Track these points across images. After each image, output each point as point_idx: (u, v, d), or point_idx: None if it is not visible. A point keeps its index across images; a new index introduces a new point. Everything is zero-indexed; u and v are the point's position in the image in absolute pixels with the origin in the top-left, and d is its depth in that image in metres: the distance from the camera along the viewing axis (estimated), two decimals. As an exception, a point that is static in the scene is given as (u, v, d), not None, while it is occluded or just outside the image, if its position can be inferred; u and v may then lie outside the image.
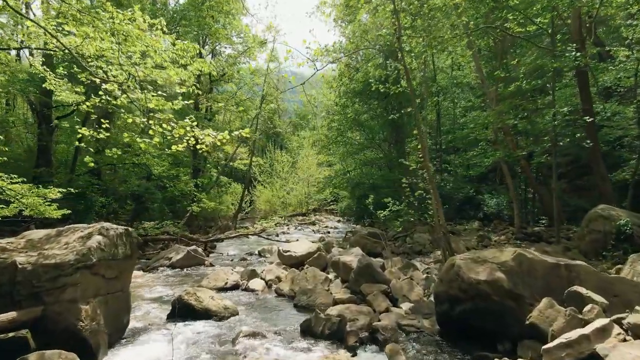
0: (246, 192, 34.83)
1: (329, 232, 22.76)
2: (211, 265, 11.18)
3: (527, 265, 4.94)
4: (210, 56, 28.15)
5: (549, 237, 10.99)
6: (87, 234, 5.10)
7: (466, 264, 5.31)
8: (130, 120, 6.01)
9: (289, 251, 9.98)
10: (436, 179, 11.62)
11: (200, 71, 6.96)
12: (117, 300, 5.36)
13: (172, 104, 5.96)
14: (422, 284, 7.05)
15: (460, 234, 13.29)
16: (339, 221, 29.56)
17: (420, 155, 8.22)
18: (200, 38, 24.79)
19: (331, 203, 32.55)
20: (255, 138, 29.73)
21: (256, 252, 15.38)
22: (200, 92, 11.00)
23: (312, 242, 17.06)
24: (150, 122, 5.71)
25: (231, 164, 36.52)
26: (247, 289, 8.12)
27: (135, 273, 9.80)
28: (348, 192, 21.97)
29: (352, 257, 8.25)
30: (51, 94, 15.90)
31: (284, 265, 9.88)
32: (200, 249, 11.42)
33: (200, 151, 5.79)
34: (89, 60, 6.04)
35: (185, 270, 10.44)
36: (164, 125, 5.71)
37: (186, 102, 6.34)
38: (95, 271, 4.85)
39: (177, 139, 5.73)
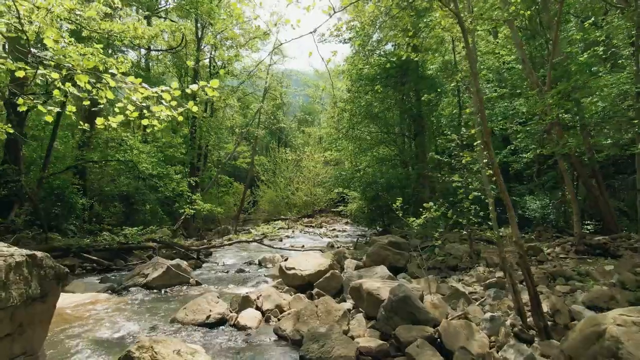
0: (249, 192, 33.13)
1: (337, 237, 20.72)
2: (197, 283, 9.06)
3: None
4: (207, 47, 26.14)
5: (616, 249, 8.82)
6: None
7: (631, 335, 3.07)
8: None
9: (293, 268, 7.82)
10: (460, 179, 9.41)
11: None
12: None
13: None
14: (486, 327, 4.91)
15: (495, 242, 11.12)
16: (346, 223, 27.54)
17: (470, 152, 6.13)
18: (197, 24, 22.75)
19: (338, 204, 30.52)
20: (256, 134, 27.75)
21: (256, 262, 13.36)
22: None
23: (320, 250, 15.11)
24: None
25: (233, 162, 34.69)
26: (236, 325, 5.99)
27: (100, 296, 7.75)
28: (358, 193, 19.84)
29: (379, 281, 6.12)
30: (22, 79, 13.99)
31: (286, 287, 7.76)
32: (184, 264, 9.29)
33: (148, 129, 3.70)
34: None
35: (163, 291, 8.32)
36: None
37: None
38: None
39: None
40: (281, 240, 19.12)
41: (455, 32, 6.95)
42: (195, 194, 17.12)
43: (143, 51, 24.53)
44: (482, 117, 4.89)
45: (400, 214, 6.89)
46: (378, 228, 20.01)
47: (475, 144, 5.51)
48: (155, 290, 8.32)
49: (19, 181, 12.35)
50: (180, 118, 3.56)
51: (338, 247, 16.34)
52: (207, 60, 26.88)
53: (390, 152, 19.32)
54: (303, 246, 17.01)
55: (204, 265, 13.38)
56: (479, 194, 5.79)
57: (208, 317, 6.02)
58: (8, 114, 13.09)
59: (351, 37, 14.28)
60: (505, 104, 14.77)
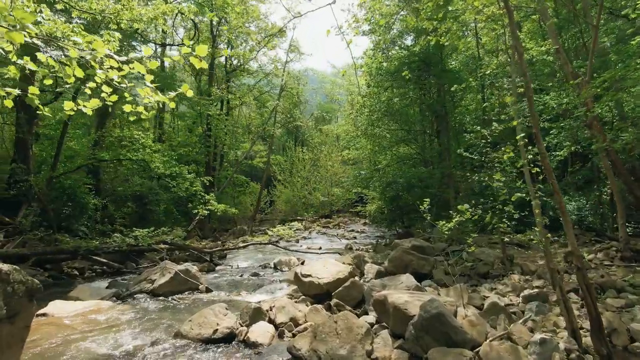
0: (266, 192, 32.69)
1: (355, 238, 20.03)
2: (207, 290, 8.47)
3: None
4: (224, 45, 25.69)
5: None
6: None
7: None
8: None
9: (309, 275, 7.15)
10: (479, 178, 8.67)
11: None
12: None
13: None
14: (535, 352, 4.16)
15: (528, 247, 10.28)
16: (364, 224, 26.81)
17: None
18: (211, 20, 22.28)
19: (356, 204, 29.81)
20: (273, 132, 27.23)
21: (271, 265, 12.79)
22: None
23: (338, 253, 14.42)
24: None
25: (249, 161, 34.27)
26: (246, 341, 5.36)
27: (103, 304, 7.24)
28: (378, 193, 19.11)
29: (405, 293, 5.41)
30: (32, 76, 13.69)
31: (302, 296, 7.10)
32: (194, 269, 8.69)
33: (131, 118, 3.07)
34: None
35: (170, 299, 7.75)
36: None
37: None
38: None
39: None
40: (297, 242, 18.53)
41: (489, 12, 6.20)
42: (209, 194, 16.63)
43: (158, 51, 24.26)
44: (529, 105, 4.17)
45: (428, 217, 6.18)
46: (398, 229, 19.25)
47: (517, 137, 4.78)
48: (161, 298, 7.76)
49: (28, 181, 12.00)
50: (172, 104, 2.94)
51: (357, 250, 15.67)
52: (223, 59, 26.44)
53: (410, 150, 18.52)
54: (320, 248, 16.40)
55: (217, 268, 12.87)
56: (524, 195, 5.03)
57: (215, 331, 5.41)
58: (17, 111, 12.80)
59: (371, 30, 13.57)
60: (548, 96, 13.85)
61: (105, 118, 16.30)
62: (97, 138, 15.62)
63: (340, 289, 6.63)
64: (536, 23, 14.92)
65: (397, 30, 14.79)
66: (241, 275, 11.21)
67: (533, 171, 8.08)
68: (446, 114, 13.84)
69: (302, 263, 13.05)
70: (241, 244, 14.31)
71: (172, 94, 2.89)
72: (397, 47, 14.89)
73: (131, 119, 3.00)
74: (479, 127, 8.24)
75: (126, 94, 2.88)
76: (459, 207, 5.54)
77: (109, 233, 14.07)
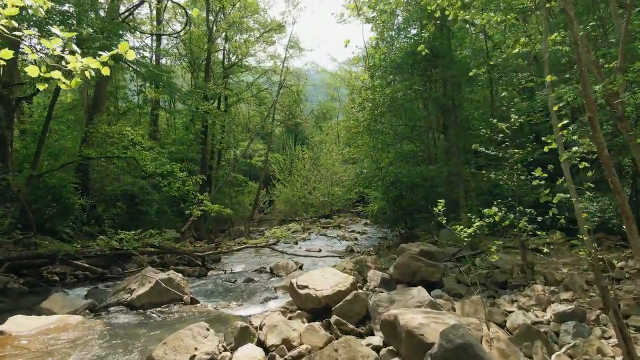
0: (265, 192, 31.88)
1: (356, 239, 19.20)
2: (193, 301, 7.57)
3: None
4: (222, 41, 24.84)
5: None
6: None
7: None
8: None
9: (306, 287, 6.25)
10: (495, 177, 7.81)
11: None
12: None
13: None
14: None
15: (547, 251, 9.35)
16: (366, 224, 25.93)
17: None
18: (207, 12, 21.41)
19: (357, 204, 28.98)
20: (271, 130, 26.38)
21: (267, 269, 11.99)
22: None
23: (339, 257, 13.55)
24: None
25: (248, 160, 33.47)
26: (229, 371, 4.51)
27: (71, 319, 6.37)
28: (380, 193, 18.27)
29: (419, 313, 4.54)
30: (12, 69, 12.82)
31: (298, 310, 6.21)
32: (178, 277, 7.79)
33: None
34: None
35: (149, 312, 6.86)
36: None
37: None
38: None
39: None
40: (296, 244, 17.71)
41: None
42: (203, 193, 15.77)
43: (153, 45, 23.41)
44: (583, 84, 3.31)
45: (444, 220, 5.30)
46: (400, 230, 18.41)
47: (558, 125, 3.93)
48: (139, 311, 6.87)
49: (5, 180, 11.13)
50: (106, 71, 2.08)
51: (358, 252, 14.83)
52: (221, 56, 25.60)
53: (414, 147, 17.64)
54: (319, 250, 15.61)
55: (210, 272, 12.09)
56: (567, 195, 4.15)
57: (192, 357, 4.55)
58: (-4, 106, 11.94)
59: (374, 17, 12.69)
60: (545, 92, 12.97)
61: (96, 110, 15.46)
62: (85, 134, 14.77)
63: (341, 303, 5.73)
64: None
65: (402, 19, 13.86)
66: (234, 281, 10.40)
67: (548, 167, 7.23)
68: (455, 107, 12.93)
69: (300, 267, 12.22)
70: (235, 247, 13.48)
71: (106, 54, 2.04)
72: (402, 37, 13.95)
73: (40, 87, 2.13)
74: (495, 120, 7.35)
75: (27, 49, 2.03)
76: (485, 210, 4.67)
77: (96, 235, 13.26)
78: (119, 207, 15.79)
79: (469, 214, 5.82)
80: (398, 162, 17.25)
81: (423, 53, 7.18)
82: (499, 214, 4.50)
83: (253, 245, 13.51)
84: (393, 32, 14.04)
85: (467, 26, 15.62)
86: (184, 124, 25.11)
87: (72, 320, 6.21)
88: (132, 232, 11.52)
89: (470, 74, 8.63)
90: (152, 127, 23.82)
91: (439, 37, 12.77)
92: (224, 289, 9.61)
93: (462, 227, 5.14)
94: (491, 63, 13.69)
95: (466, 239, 5.08)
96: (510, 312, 5.90)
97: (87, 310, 6.91)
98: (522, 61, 15.35)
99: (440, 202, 5.42)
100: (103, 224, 14.51)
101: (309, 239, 19.75)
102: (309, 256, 13.64)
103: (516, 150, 6.99)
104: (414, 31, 15.18)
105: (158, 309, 7.02)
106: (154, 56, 23.89)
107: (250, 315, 6.21)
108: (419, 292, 5.67)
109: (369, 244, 17.69)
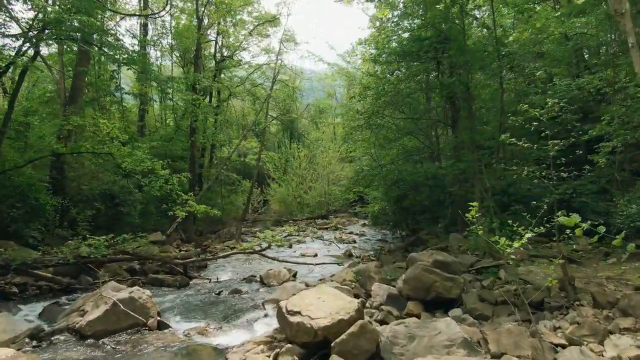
0: (260, 191, 30.75)
1: (354, 242, 18.05)
2: (160, 326, 6.14)
3: None
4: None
5: None
6: None
7: None
8: None
9: (299, 313, 4.89)
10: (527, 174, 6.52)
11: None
12: None
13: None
14: None
15: (584, 262, 8.10)
16: (364, 225, 24.80)
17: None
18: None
19: (355, 204, 27.88)
20: (265, 126, 25.10)
21: (257, 278, 10.73)
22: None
23: (337, 264, 12.22)
24: None
25: (242, 159, 32.35)
26: None
27: (3, 353, 5.01)
28: (380, 192, 17.12)
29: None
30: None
31: (287, 345, 4.88)
32: (144, 295, 6.39)
33: None
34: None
35: (101, 342, 5.45)
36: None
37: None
38: None
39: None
40: (291, 247, 16.47)
41: None
42: (189, 193, 14.43)
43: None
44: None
45: (480, 231, 4.03)
46: (402, 232, 17.22)
47: None
48: (90, 341, 5.45)
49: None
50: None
51: (357, 257, 13.59)
52: (213, 49, 24.29)
53: (418, 143, 16.41)
54: (316, 255, 14.44)
55: (192, 281, 10.78)
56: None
57: None
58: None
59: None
60: (566, 81, 11.72)
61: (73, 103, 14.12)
62: (60, 128, 13.45)
63: (343, 336, 4.38)
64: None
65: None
66: (218, 294, 9.12)
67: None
68: (470, 97, 11.62)
69: (294, 275, 10.92)
70: (221, 255, 12.15)
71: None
72: (407, 22, 12.63)
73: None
74: (526, 106, 6.09)
75: None
76: (561, 219, 3.36)
77: (70, 239, 11.96)
78: (96, 207, 14.44)
79: (490, 219, 4.63)
80: (400, 159, 16.08)
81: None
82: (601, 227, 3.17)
83: (241, 252, 12.19)
84: (398, 12, 12.75)
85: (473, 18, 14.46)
86: (175, 120, 23.90)
87: (2, 355, 4.87)
88: (103, 237, 10.17)
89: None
90: (140, 123, 22.58)
91: (449, 17, 11.51)
92: (205, 303, 8.32)
93: (504, 240, 3.85)
94: (506, 51, 12.45)
95: (512, 257, 3.79)
96: (558, 345, 4.64)
97: (27, 339, 5.55)
98: (531, 47, 14.02)
99: (474, 207, 4.13)
100: (77, 227, 13.18)
101: (305, 242, 18.53)
102: (304, 263, 12.35)
103: (555, 141, 5.69)
104: (417, 21, 13.89)
105: (114, 337, 5.61)
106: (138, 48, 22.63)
107: (227, 349, 4.90)
108: (448, 326, 4.34)
109: (369, 247, 16.57)
